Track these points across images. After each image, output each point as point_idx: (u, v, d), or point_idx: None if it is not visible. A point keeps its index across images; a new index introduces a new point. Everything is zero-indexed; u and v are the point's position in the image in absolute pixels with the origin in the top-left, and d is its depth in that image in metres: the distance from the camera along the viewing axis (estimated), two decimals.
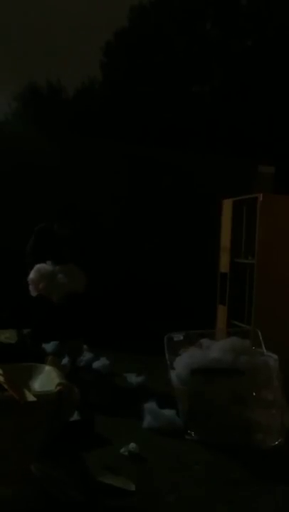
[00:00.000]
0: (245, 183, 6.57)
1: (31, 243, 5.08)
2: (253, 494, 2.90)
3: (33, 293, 4.85)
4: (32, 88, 20.54)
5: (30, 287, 4.87)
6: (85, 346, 5.15)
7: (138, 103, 16.68)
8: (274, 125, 15.21)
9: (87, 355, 5.12)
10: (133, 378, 4.74)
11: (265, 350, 3.93)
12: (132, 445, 3.23)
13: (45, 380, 2.74)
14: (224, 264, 5.68)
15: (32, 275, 4.84)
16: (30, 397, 2.42)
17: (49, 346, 4.74)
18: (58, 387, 2.53)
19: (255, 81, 15.88)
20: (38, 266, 4.85)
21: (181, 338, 4.01)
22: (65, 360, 4.63)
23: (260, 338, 4.03)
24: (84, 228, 5.53)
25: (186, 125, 15.56)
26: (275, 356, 3.84)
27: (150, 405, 3.79)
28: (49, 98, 20.08)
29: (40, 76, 19.74)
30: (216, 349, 3.82)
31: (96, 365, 5.02)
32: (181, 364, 3.78)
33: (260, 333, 4.06)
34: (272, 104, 15.46)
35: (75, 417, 3.28)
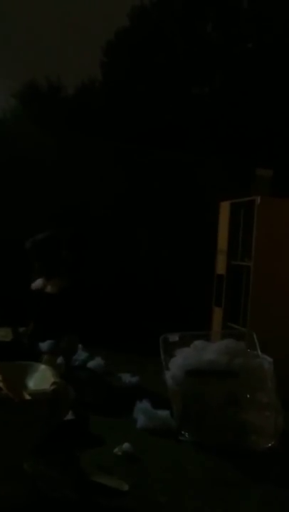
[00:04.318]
0: (243, 185, 6.59)
1: (37, 244, 5.14)
2: (246, 495, 2.91)
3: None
4: (32, 86, 20.54)
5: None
6: (80, 345, 5.15)
7: (137, 103, 16.68)
8: (273, 128, 15.24)
9: (82, 355, 5.12)
10: (128, 378, 4.74)
11: (259, 353, 3.94)
12: (126, 445, 3.23)
13: (40, 378, 2.74)
14: (221, 266, 5.69)
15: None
16: (25, 396, 2.42)
17: (44, 345, 4.74)
18: (53, 386, 2.53)
19: (254, 84, 15.90)
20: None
21: (177, 339, 4.01)
22: (60, 360, 4.63)
23: (255, 340, 4.03)
24: (86, 245, 5.62)
25: (184, 126, 15.57)
26: (270, 358, 3.85)
27: (144, 405, 3.80)
28: (48, 96, 20.07)
29: (40, 74, 19.72)
30: (211, 351, 3.82)
31: (91, 364, 5.02)
32: (176, 365, 3.78)
33: (255, 336, 4.07)
34: (272, 108, 15.49)
35: (70, 416, 3.28)
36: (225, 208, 5.70)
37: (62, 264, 5.06)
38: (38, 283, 5.10)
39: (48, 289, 5.00)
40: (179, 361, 3.79)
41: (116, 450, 3.21)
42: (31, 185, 6.62)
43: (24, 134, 6.83)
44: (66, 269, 5.04)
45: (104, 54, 19.76)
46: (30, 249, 5.11)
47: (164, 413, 3.75)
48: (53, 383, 2.56)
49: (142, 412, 3.74)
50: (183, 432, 3.60)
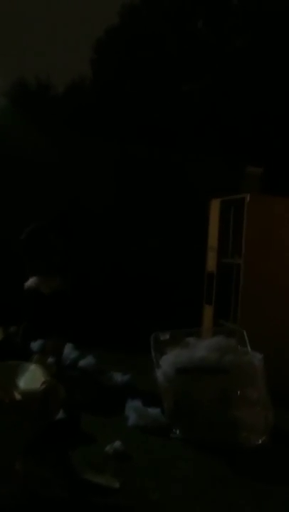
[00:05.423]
0: (233, 183, 6.60)
1: (23, 242, 5.11)
2: (237, 492, 2.93)
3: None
4: (20, 84, 20.42)
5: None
6: (71, 344, 5.14)
7: (128, 101, 16.66)
8: (263, 126, 15.28)
9: (73, 354, 5.12)
10: (119, 377, 4.75)
11: (250, 349, 3.96)
12: (117, 443, 3.24)
13: (31, 378, 2.74)
14: (211, 263, 5.71)
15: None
16: (16, 396, 2.42)
17: (35, 345, 4.73)
18: (43, 386, 2.54)
19: (245, 81, 15.92)
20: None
21: (168, 337, 4.03)
22: (51, 359, 4.62)
23: (246, 337, 4.06)
24: (76, 234, 5.60)
25: (175, 124, 15.57)
26: (260, 355, 3.87)
27: (135, 403, 3.82)
28: (38, 94, 19.99)
29: (30, 72, 19.66)
30: (201, 348, 3.84)
31: (82, 363, 5.03)
32: (167, 363, 3.80)
33: (245, 333, 4.10)
34: (262, 105, 15.52)
35: (61, 415, 3.29)
36: (215, 205, 5.71)
37: (55, 256, 5.00)
38: (31, 282, 5.04)
39: (42, 289, 4.96)
40: (170, 359, 3.81)
41: (107, 448, 3.23)
42: (21, 182, 6.59)
43: (14, 132, 6.79)
44: (60, 265, 4.99)
45: (94, 51, 19.69)
46: (24, 240, 5.05)
47: (155, 411, 3.77)
48: (44, 382, 2.57)
49: (133, 410, 3.76)
50: (174, 429, 3.62)
